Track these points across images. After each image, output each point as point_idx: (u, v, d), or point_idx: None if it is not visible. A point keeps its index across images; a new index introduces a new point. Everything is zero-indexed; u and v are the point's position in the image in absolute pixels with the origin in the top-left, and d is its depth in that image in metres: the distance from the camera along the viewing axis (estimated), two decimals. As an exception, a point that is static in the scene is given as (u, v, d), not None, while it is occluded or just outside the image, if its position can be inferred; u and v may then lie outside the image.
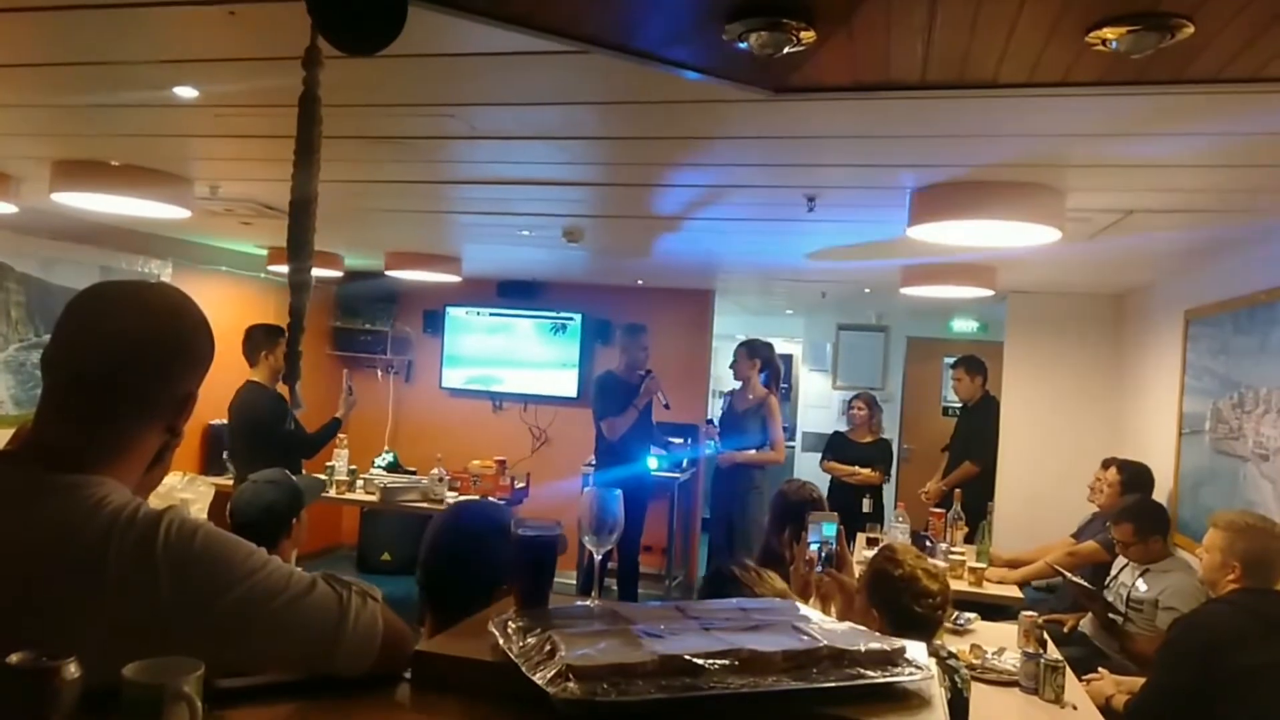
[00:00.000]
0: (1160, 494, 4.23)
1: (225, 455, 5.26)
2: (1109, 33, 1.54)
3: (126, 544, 1.02)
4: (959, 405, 6.33)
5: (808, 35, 1.61)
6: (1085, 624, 3.94)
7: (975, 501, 5.04)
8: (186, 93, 2.45)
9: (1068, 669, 2.89)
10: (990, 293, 4.77)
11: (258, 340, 4.49)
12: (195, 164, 3.54)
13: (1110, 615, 3.67)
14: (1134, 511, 3.83)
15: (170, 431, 1.17)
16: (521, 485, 5.88)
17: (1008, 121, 2.28)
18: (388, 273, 5.86)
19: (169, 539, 1.03)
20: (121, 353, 1.12)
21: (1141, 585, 3.67)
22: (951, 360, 6.32)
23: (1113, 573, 3.98)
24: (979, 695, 2.60)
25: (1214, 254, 3.97)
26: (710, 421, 5.75)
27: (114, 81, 2.44)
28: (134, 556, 1.02)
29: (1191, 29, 1.52)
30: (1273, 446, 3.30)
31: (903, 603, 2.35)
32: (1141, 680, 3.01)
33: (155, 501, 1.12)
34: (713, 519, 5.79)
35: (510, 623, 1.09)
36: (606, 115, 2.56)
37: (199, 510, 4.79)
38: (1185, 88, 1.87)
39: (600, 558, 1.27)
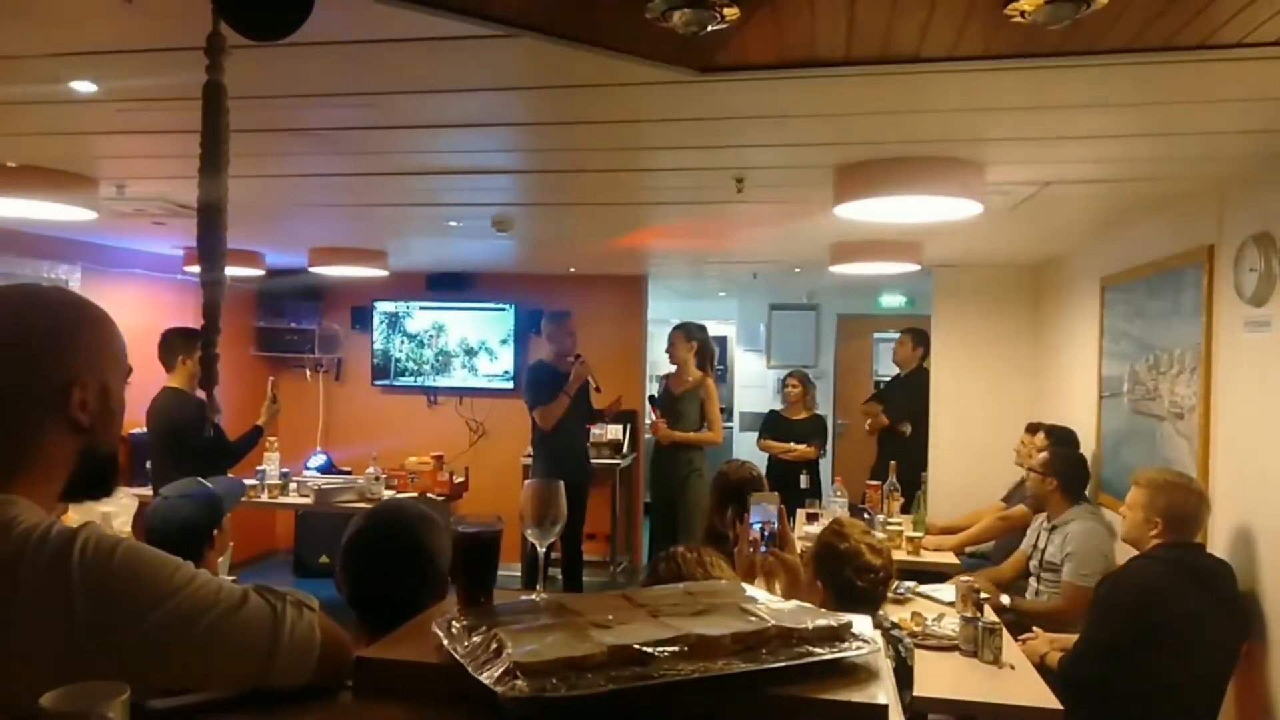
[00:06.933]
0: (1084, 455, 4.38)
1: (148, 465, 5.06)
2: (1026, 4, 1.56)
3: (39, 565, 0.96)
4: (889, 378, 6.48)
5: (731, 12, 1.60)
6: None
7: (910, 472, 5.16)
8: (84, 87, 2.33)
9: (1004, 630, 2.99)
10: (916, 267, 4.86)
11: (174, 344, 4.31)
12: (99, 162, 3.38)
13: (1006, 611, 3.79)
14: (1064, 455, 4.05)
15: (77, 429, 1.10)
16: (460, 480, 5.81)
17: (929, 97, 2.31)
18: (311, 269, 5.70)
19: (84, 557, 0.97)
20: None
21: (1051, 547, 3.82)
22: (881, 335, 6.46)
23: (1030, 539, 4.11)
24: (922, 661, 2.67)
25: (1127, 222, 4.11)
26: (652, 398, 5.76)
27: (5, 77, 2.30)
28: (47, 578, 0.96)
29: (1105, -1, 1.56)
30: (1187, 405, 3.44)
31: (845, 576, 2.38)
32: (1073, 637, 3.12)
33: (74, 516, 1.06)
34: (654, 503, 5.81)
35: (454, 622, 1.06)
36: (531, 101, 2.51)
37: (123, 523, 4.61)
38: (1099, 58, 1.91)
39: (544, 550, 1.25)
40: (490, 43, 1.90)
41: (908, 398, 6.05)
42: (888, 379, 6.61)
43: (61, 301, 1.15)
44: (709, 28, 1.63)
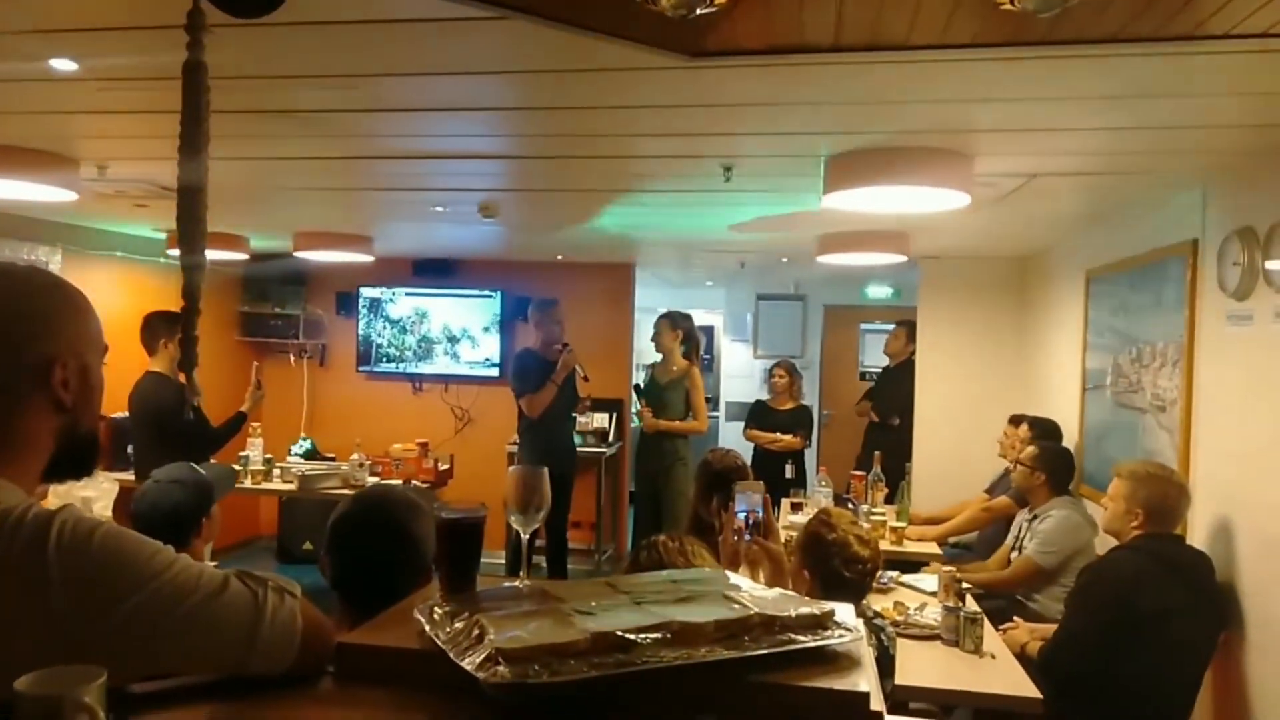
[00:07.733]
0: (1069, 449, 4.41)
1: (130, 449, 5.02)
2: (1017, -8, 1.56)
3: (15, 548, 0.95)
4: (877, 369, 6.51)
5: (720, -4, 1.59)
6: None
7: (894, 463, 5.18)
8: (64, 65, 2.29)
9: (985, 620, 3.01)
10: (903, 259, 4.87)
11: (156, 328, 4.27)
12: (80, 143, 3.33)
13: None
14: (1052, 450, 4.07)
15: (59, 408, 1.08)
16: (445, 467, 5.79)
17: (918, 87, 2.31)
18: (296, 254, 5.66)
19: (62, 541, 0.96)
20: None
21: (1029, 538, 3.85)
22: (868, 326, 6.49)
23: (1014, 533, 4.14)
24: (904, 650, 2.69)
25: (1112, 214, 4.12)
26: (637, 387, 5.77)
27: (-18, 54, 2.26)
28: (23, 561, 0.94)
29: (1095, -11, 1.55)
30: (1169, 398, 3.46)
31: (833, 566, 2.38)
32: (1053, 627, 3.14)
33: (54, 500, 1.05)
34: (639, 492, 5.81)
35: (437, 608, 1.06)
36: (518, 85, 2.49)
37: (103, 508, 4.57)
38: (1087, 49, 1.91)
39: (527, 537, 1.24)
40: (477, 25, 1.88)
41: (898, 389, 6.07)
42: (875, 370, 6.66)
43: (39, 281, 1.14)
44: (698, 10, 1.61)
